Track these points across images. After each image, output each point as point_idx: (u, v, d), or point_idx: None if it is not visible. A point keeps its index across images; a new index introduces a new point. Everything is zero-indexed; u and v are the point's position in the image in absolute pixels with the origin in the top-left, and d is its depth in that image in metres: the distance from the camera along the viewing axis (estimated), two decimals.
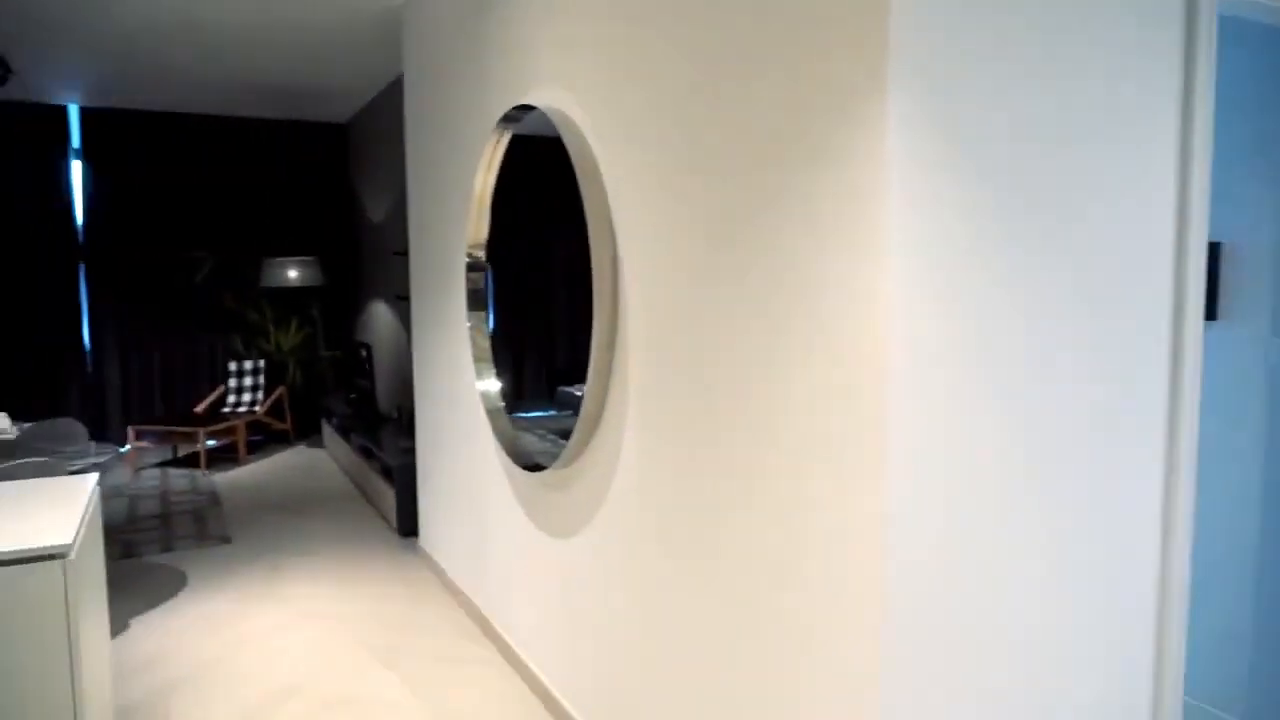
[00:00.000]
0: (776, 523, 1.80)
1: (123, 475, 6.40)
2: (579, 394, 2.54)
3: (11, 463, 3.26)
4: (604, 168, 2.42)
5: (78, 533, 2.11)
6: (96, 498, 2.57)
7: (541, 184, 2.80)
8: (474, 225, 3.24)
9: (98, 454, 3.78)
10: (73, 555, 2.02)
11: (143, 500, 5.70)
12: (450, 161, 3.72)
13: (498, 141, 3.02)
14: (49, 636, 1.99)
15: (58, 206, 7.08)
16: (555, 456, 2.70)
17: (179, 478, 6.32)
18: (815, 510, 1.69)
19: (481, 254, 3.26)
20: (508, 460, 3.14)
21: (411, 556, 4.58)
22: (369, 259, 7.47)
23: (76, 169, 7.13)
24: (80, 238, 7.19)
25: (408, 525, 4.88)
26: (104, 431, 7.36)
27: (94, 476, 2.62)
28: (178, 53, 5.33)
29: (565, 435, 2.64)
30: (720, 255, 1.93)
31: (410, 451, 4.93)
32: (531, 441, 2.93)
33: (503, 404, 3.12)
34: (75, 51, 5.32)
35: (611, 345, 2.42)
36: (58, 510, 2.25)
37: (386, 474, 5.11)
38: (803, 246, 1.68)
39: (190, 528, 5.09)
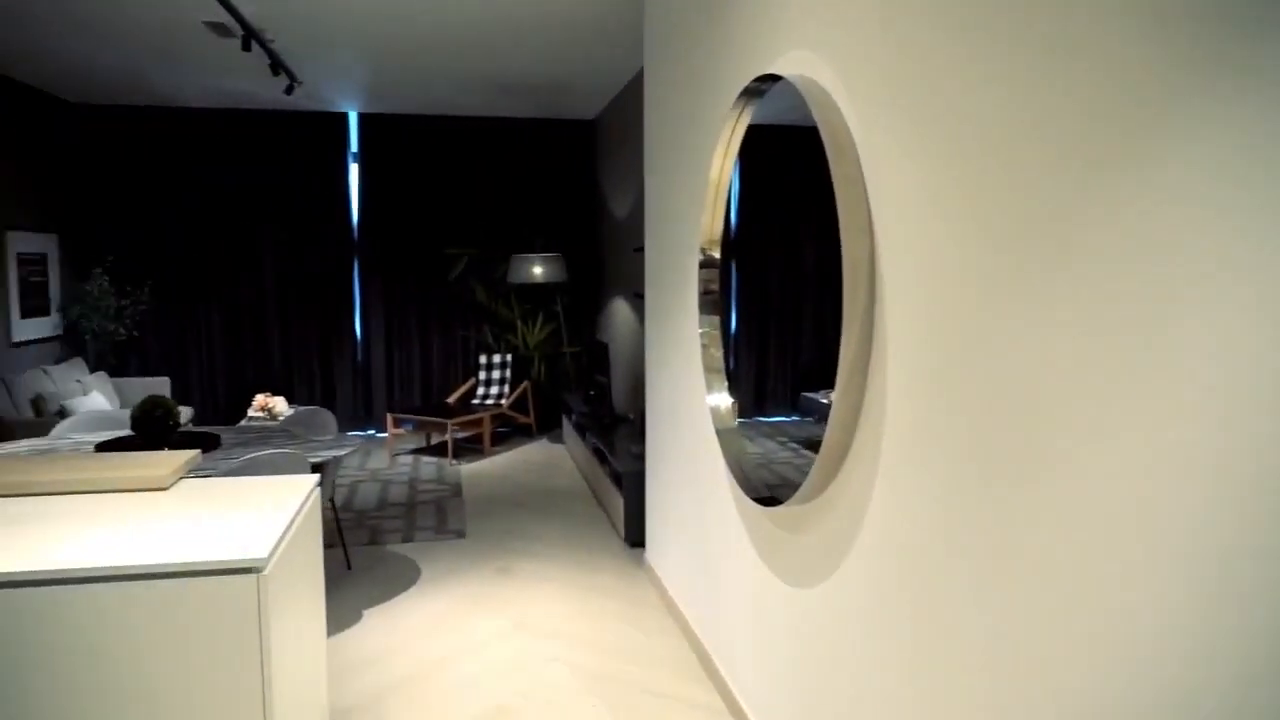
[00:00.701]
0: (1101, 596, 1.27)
1: (381, 459, 6.76)
2: (824, 400, 2.12)
3: (259, 453, 3.36)
4: (862, 149, 1.95)
5: (278, 544, 2.00)
6: (315, 499, 2.50)
7: (787, 167, 2.38)
8: (709, 217, 2.89)
9: (339, 445, 3.86)
10: (268, 570, 1.90)
11: (394, 486, 5.95)
12: (686, 146, 3.39)
13: (737, 119, 2.64)
14: (241, 650, 1.88)
15: (337, 206, 7.65)
16: (794, 481, 2.27)
17: (428, 465, 6.56)
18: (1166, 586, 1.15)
19: (716, 250, 2.90)
20: (737, 489, 2.75)
21: (636, 570, 4.33)
22: (611, 255, 7.40)
23: (354, 171, 7.66)
24: (355, 235, 7.72)
25: (635, 535, 4.65)
26: (369, 417, 7.87)
27: (313, 478, 2.56)
28: (434, 57, 5.47)
29: (807, 444, 2.22)
30: (1028, 262, 1.42)
31: (641, 458, 4.69)
32: (766, 457, 2.52)
33: (735, 424, 2.74)
34: (348, 60, 5.61)
35: (864, 367, 1.96)
36: (267, 516, 2.16)
37: (616, 479, 4.91)
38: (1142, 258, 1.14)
39: (431, 519, 5.19)
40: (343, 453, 3.76)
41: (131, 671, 1.85)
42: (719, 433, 2.81)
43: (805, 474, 2.18)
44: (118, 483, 2.40)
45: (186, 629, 1.86)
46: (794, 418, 2.40)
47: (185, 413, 6.52)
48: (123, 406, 6.50)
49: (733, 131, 2.68)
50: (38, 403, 5.70)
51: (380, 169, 7.68)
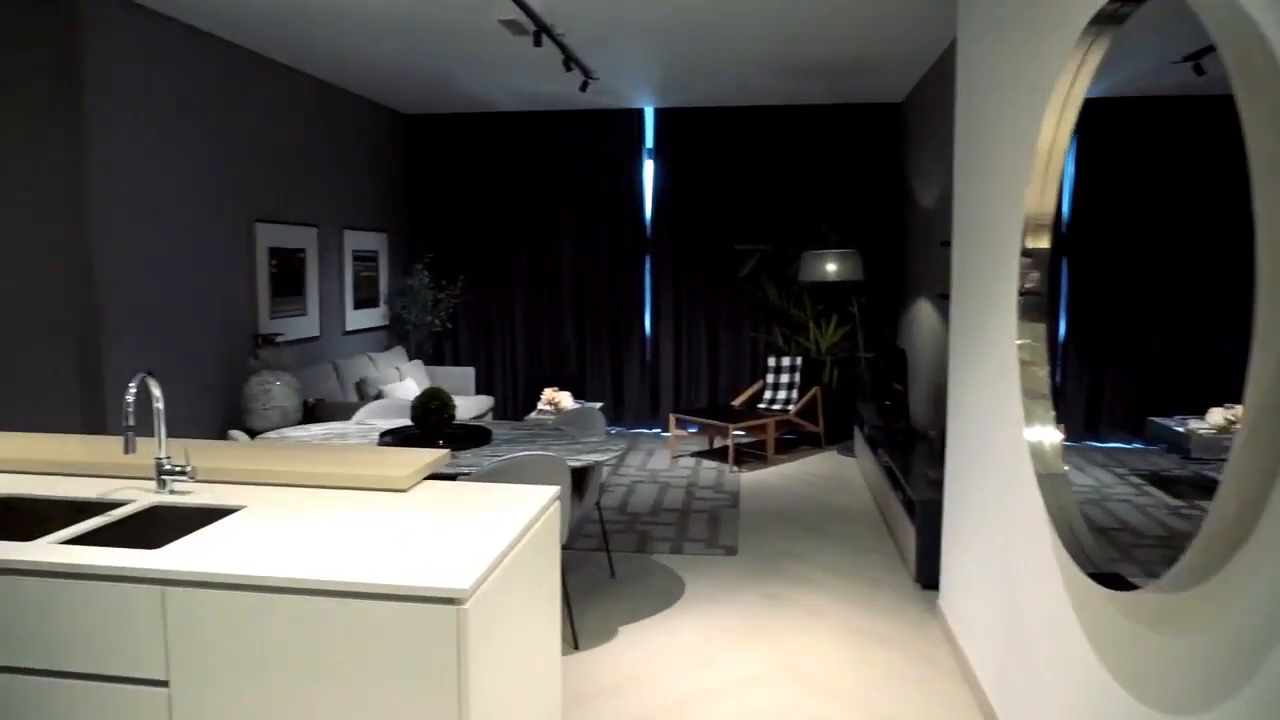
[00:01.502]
0: None
1: (662, 460, 6.62)
2: (1178, 428, 1.50)
3: (518, 454, 3.24)
4: None
5: (487, 574, 1.74)
6: (553, 513, 2.26)
7: (1148, 126, 1.72)
8: (1035, 195, 2.24)
9: (604, 448, 3.67)
10: (470, 602, 1.65)
11: (671, 490, 5.75)
12: (1006, 110, 2.73)
13: (1081, 61, 1.98)
14: (438, 682, 1.65)
15: (631, 202, 7.66)
16: (1147, 537, 1.62)
17: (708, 470, 6.30)
18: None
19: (1043, 238, 2.25)
20: (1064, 555, 2.10)
21: (926, 618, 3.70)
22: (915, 251, 6.65)
23: (648, 167, 7.61)
24: (647, 231, 7.68)
25: (928, 575, 3.99)
26: (655, 415, 7.80)
27: (551, 491, 2.32)
28: (729, 44, 5.15)
29: (1152, 479, 1.58)
30: None
31: (939, 485, 4.03)
32: (1099, 492, 1.87)
33: (1063, 469, 2.08)
34: (637, 52, 5.48)
35: None
36: (488, 535, 1.93)
37: (909, 507, 4.28)
38: None
39: (703, 530, 4.90)
40: (605, 457, 3.55)
41: (325, 686, 1.69)
42: (1040, 477, 2.16)
43: (1162, 525, 1.53)
44: (358, 480, 2.32)
45: (382, 652, 1.66)
46: (1135, 444, 1.77)
47: (484, 403, 6.83)
48: None
49: (1073, 80, 2.03)
50: (361, 386, 6.23)
51: (673, 164, 7.57)
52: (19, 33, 4.00)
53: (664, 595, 3.93)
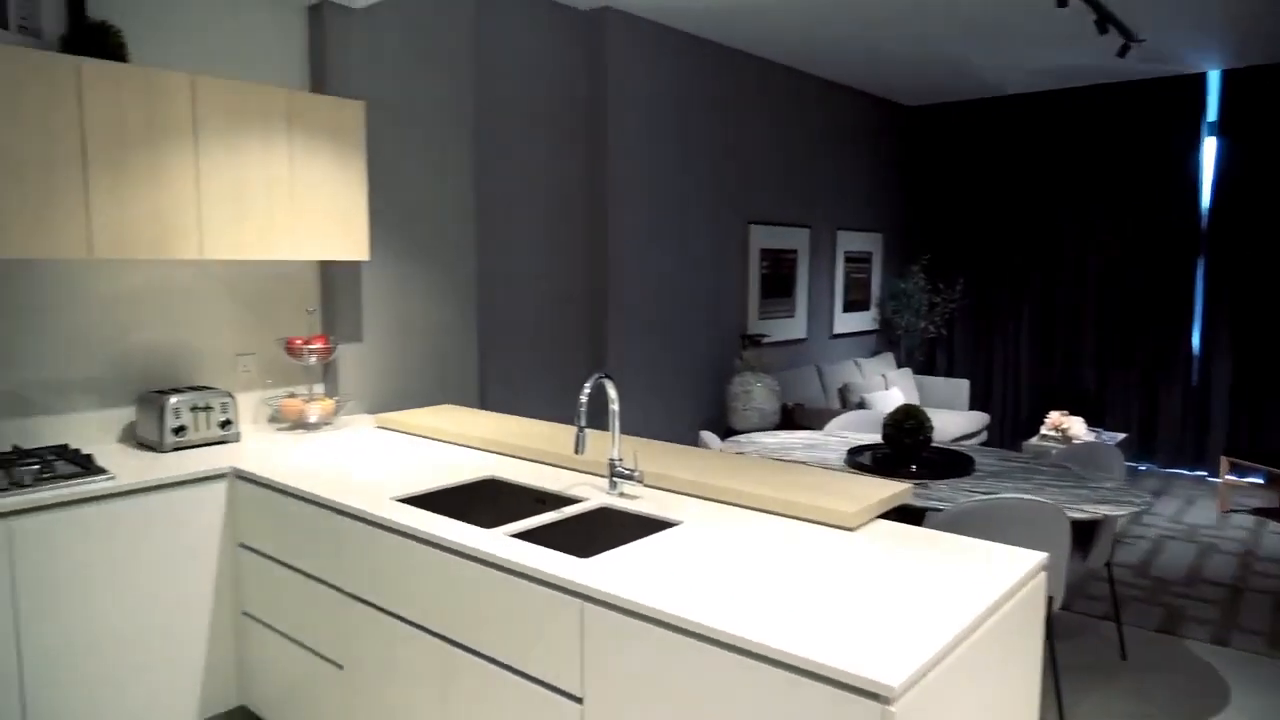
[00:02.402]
0: None
1: (1206, 513, 5.28)
2: None
3: (1001, 496, 2.68)
4: None
5: (933, 664, 1.34)
6: (1037, 586, 1.74)
7: None
8: None
9: (1121, 499, 2.89)
10: (897, 704, 1.27)
11: (1217, 556, 4.51)
12: None
13: None
14: None
15: (1181, 192, 6.24)
16: None
17: (1273, 537, 4.84)
18: None
19: None
20: None
21: None
22: None
23: (1209, 146, 6.13)
24: (1203, 227, 6.20)
25: None
26: (1200, 456, 6.29)
27: (1038, 558, 1.79)
28: None
29: None
30: None
31: None
32: None
33: None
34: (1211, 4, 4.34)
35: None
36: (940, 610, 1.52)
37: None
38: None
39: (1263, 619, 3.70)
40: (1122, 512, 2.79)
41: None
42: None
43: None
44: (801, 510, 2.05)
45: None
46: None
47: (976, 420, 6.14)
48: (920, 404, 6.47)
49: None
50: (844, 393, 6.02)
51: (1246, 141, 5.97)
52: (558, 48, 4.51)
53: (1196, 701, 3.00)
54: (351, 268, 3.38)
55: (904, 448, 3.32)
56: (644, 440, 2.81)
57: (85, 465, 2.45)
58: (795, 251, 6.12)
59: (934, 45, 5.32)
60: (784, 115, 5.93)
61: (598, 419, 4.68)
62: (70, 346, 2.76)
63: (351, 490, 2.29)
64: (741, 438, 3.85)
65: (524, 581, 1.76)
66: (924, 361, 7.40)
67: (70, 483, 2.30)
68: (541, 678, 1.74)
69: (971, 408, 7.00)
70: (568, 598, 1.68)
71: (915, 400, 6.53)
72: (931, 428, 3.31)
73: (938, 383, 6.71)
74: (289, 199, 2.93)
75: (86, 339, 2.80)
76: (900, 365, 7.17)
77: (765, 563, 1.75)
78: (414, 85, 3.53)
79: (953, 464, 3.28)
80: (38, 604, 2.23)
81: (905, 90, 6.75)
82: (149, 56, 2.88)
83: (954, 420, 5.95)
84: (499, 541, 1.87)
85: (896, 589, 1.61)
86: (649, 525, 2.09)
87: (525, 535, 2.00)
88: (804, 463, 3.29)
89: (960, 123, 7.15)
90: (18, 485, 2.26)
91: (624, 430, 4.73)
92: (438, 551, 1.94)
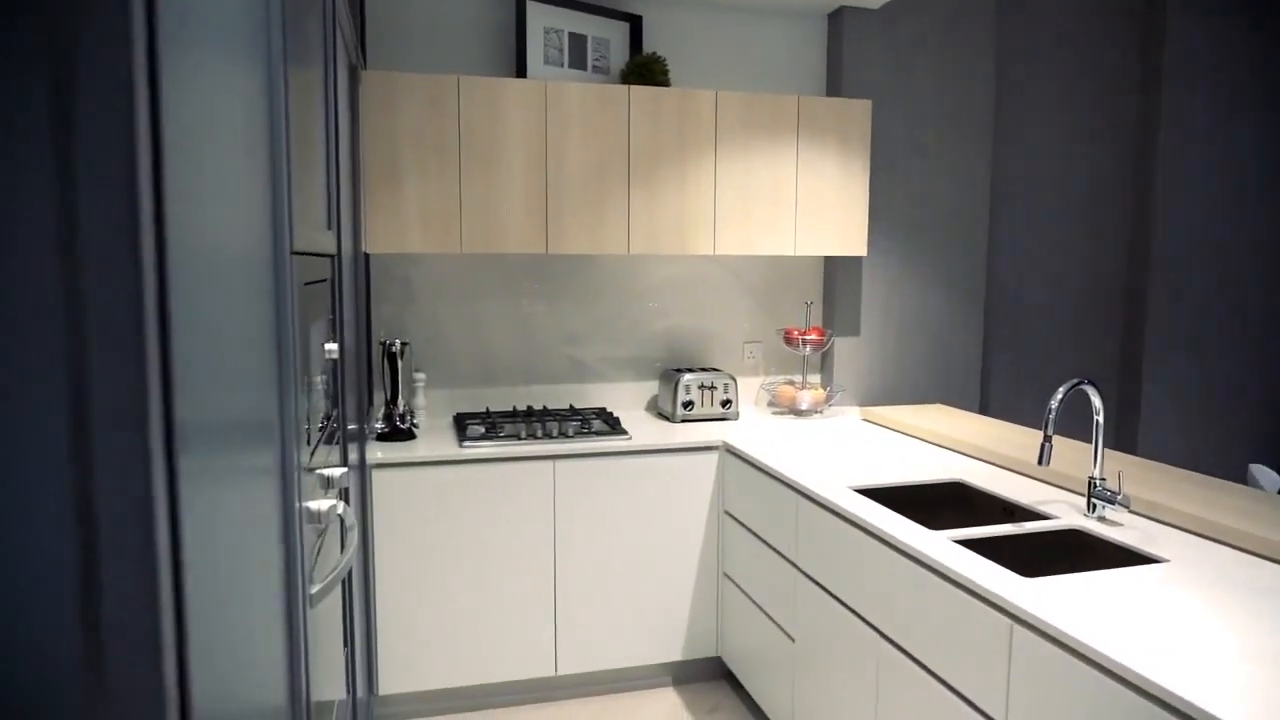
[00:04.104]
0: None
1: None
2: None
3: None
4: None
5: None
6: None
7: None
8: None
9: None
10: None
11: None
12: None
13: None
14: None
15: None
16: None
17: None
18: None
19: None
20: None
21: None
22: None
23: None
24: None
25: None
26: None
27: None
28: None
29: None
30: None
31: None
32: None
33: None
34: None
35: None
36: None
37: None
38: None
39: None
40: None
41: None
42: None
43: None
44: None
45: None
46: None
47: None
48: None
49: None
50: None
51: None
52: (1107, 24, 4.01)
53: None
54: (853, 263, 3.48)
55: None
56: (1140, 460, 2.41)
57: (613, 426, 2.96)
58: None
59: None
60: None
61: (1112, 434, 4.09)
62: (615, 327, 3.34)
63: (816, 474, 2.39)
64: None
65: (954, 588, 1.67)
66: None
67: (599, 439, 2.81)
68: (962, 691, 1.64)
69: None
70: (996, 614, 1.55)
71: None
72: None
73: None
74: (792, 197, 3.14)
75: (628, 321, 3.36)
76: None
77: (1265, 623, 1.40)
78: (924, 80, 3.48)
79: None
80: (567, 531, 2.78)
81: None
82: (685, 79, 3.33)
83: None
84: (938, 544, 1.80)
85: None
86: (1122, 556, 1.81)
87: (971, 543, 1.88)
88: None
89: None
90: (564, 435, 2.83)
91: (1151, 456, 4.06)
92: (878, 543, 1.94)
